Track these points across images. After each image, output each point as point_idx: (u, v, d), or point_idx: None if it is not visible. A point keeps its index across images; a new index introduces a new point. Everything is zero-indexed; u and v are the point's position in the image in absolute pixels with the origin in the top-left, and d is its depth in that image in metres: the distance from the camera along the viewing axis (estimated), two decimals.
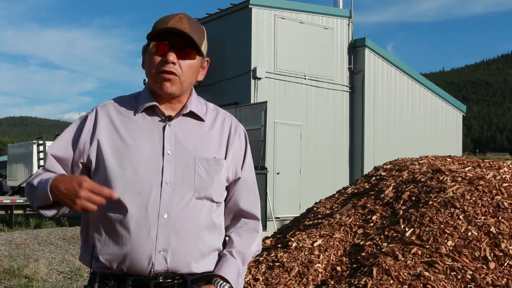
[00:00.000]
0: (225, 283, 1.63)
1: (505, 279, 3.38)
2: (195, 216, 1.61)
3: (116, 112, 1.69)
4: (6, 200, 14.46)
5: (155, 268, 1.57)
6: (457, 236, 3.82)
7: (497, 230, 3.83)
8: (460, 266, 3.52)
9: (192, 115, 1.70)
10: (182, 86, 1.66)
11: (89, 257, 1.63)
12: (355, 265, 3.86)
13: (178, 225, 1.58)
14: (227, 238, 1.76)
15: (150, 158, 1.61)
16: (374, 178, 5.36)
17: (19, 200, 14.69)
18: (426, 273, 3.47)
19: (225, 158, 1.69)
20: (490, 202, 4.17)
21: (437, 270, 3.51)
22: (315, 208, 5.24)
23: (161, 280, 1.57)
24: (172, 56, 1.61)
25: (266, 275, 3.94)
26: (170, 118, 1.67)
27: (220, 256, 1.69)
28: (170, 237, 1.57)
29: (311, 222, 4.77)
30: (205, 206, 1.64)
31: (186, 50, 1.63)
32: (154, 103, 1.66)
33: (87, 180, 1.46)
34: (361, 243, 4.11)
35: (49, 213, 1.59)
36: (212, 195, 1.65)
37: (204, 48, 1.68)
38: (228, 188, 1.74)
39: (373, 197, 4.81)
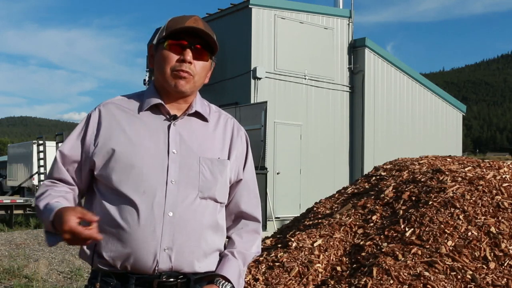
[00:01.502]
0: (227, 283, 1.64)
1: (505, 279, 3.38)
2: (199, 216, 1.62)
3: (120, 110, 1.68)
4: (6, 200, 14.47)
5: (159, 266, 1.57)
6: (457, 236, 3.82)
7: (497, 230, 3.83)
8: (460, 266, 3.53)
9: (197, 115, 1.70)
10: (195, 86, 1.68)
11: (91, 253, 1.62)
12: (355, 265, 3.86)
13: (183, 224, 1.59)
14: (227, 240, 1.76)
15: (155, 156, 1.61)
16: (374, 178, 5.36)
17: (19, 200, 14.71)
18: (426, 273, 3.47)
19: (228, 159, 1.70)
20: (490, 202, 4.17)
21: (437, 270, 3.51)
22: (315, 208, 5.24)
23: (164, 279, 1.57)
24: (189, 56, 1.63)
25: (266, 275, 3.94)
26: (175, 117, 1.67)
27: (221, 257, 1.70)
28: (175, 235, 1.58)
29: (311, 222, 4.77)
30: (209, 206, 1.65)
31: (201, 51, 1.66)
32: (159, 101, 1.67)
33: (70, 220, 1.43)
34: (361, 243, 4.11)
35: (54, 240, 1.55)
36: (216, 195, 1.66)
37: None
38: (229, 190, 1.74)
39: (373, 197, 4.82)
